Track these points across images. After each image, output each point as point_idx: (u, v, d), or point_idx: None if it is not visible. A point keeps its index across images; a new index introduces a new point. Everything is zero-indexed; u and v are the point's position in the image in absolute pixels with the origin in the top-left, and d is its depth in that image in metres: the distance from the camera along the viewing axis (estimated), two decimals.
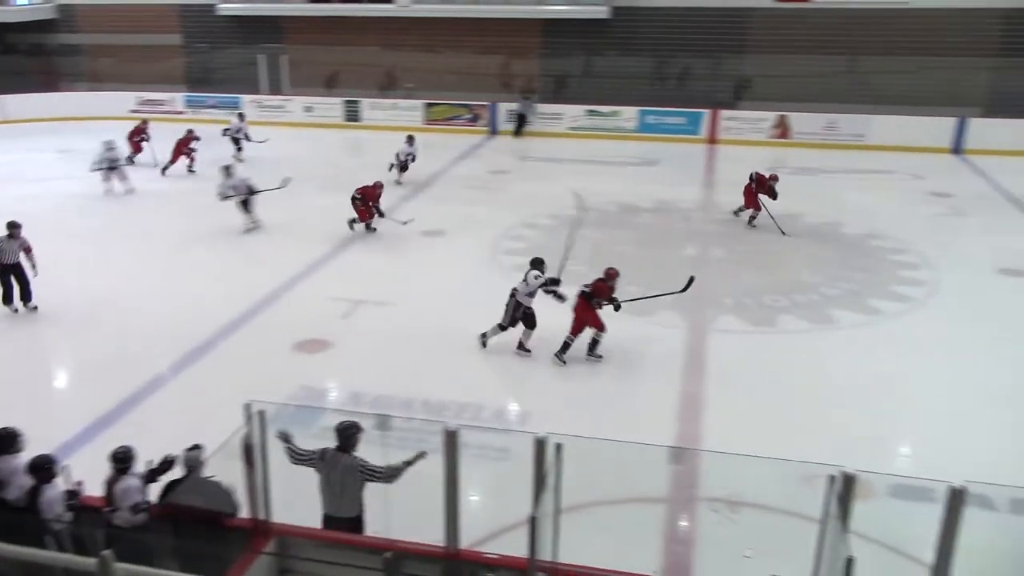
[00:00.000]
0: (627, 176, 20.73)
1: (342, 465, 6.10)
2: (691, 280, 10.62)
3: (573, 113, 25.04)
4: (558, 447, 5.21)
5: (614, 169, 21.40)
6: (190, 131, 20.27)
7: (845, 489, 4.99)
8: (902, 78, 23.09)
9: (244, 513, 5.87)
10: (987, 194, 18.68)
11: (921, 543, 5.22)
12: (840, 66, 23.97)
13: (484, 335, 10.82)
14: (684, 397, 9.71)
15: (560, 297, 10.57)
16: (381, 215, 15.40)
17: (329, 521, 6.30)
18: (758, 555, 6.45)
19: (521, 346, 10.75)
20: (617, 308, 10.46)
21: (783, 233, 15.58)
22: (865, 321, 11.95)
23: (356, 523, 6.30)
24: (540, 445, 5.16)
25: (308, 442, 6.30)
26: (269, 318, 11.90)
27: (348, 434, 6.13)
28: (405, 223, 15.31)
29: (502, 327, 10.71)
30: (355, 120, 26.57)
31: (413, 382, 9.85)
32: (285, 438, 6.14)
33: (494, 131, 25.56)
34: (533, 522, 4.71)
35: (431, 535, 5.59)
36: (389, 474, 6.08)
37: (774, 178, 16.07)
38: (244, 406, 5.55)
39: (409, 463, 6.01)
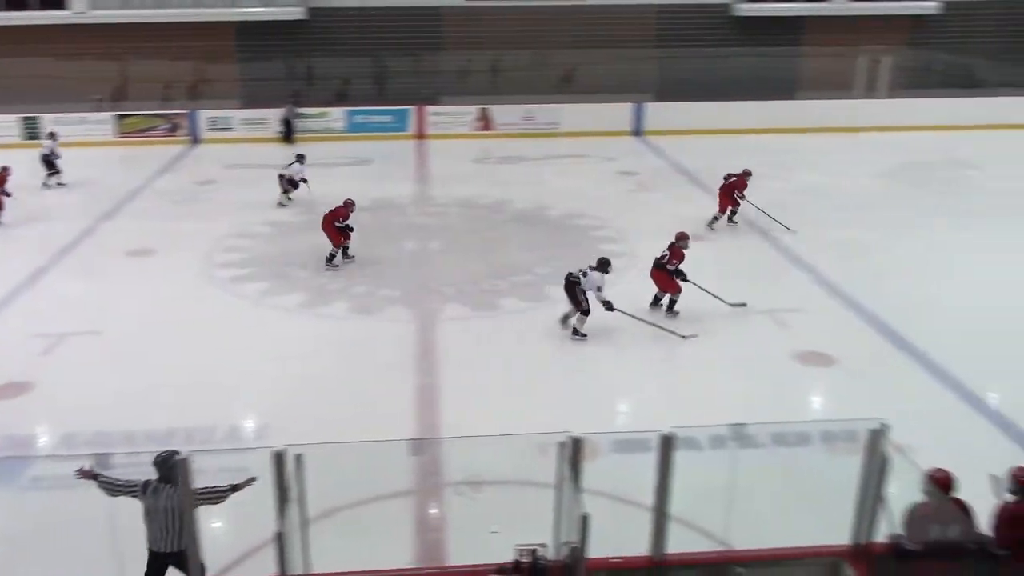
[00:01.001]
0: (341, 176, 20.58)
1: (166, 496, 5.78)
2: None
3: (281, 117, 24.38)
4: (298, 458, 5.15)
5: (327, 170, 21.13)
6: (5, 168, 16.66)
7: (574, 453, 5.40)
8: (587, 69, 25.04)
9: None
10: (665, 170, 20.77)
11: (643, 489, 5.77)
12: (532, 60, 25.47)
13: (577, 332, 11.17)
14: (420, 389, 9.92)
15: (609, 306, 10.97)
16: (351, 230, 14.06)
17: (155, 557, 5.88)
18: (504, 529, 6.77)
19: (576, 332, 11.20)
20: (683, 278, 11.67)
21: (785, 226, 15.62)
22: None
23: (182, 557, 5.86)
24: (279, 458, 5.07)
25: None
26: None
27: (169, 464, 5.76)
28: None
29: (585, 312, 11.08)
30: (36, 138, 23.93)
31: (133, 414, 9.18)
32: (92, 475, 5.68)
33: (196, 140, 24.26)
34: (280, 538, 4.64)
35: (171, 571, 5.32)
36: (213, 495, 5.79)
37: (747, 173, 16.03)
38: None
39: (236, 487, 5.75)
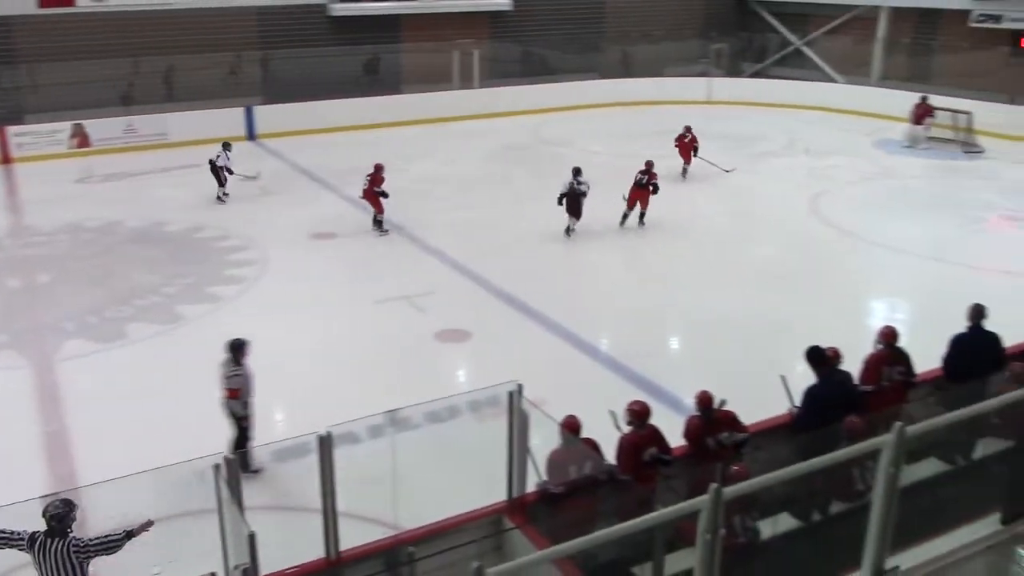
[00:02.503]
0: None
1: (54, 551, 5.37)
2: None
3: None
4: None
5: None
6: None
7: (230, 472, 5.28)
8: (191, 75, 23.81)
9: None
10: (285, 172, 20.49)
11: (310, 492, 5.80)
12: (129, 68, 23.59)
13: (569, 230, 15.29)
14: (47, 437, 8.94)
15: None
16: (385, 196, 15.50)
17: None
18: (170, 567, 6.39)
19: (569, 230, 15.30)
20: (656, 191, 15.59)
21: (725, 171, 18.91)
22: (211, 309, 12.37)
23: None
24: None
25: None
26: None
27: (59, 516, 5.39)
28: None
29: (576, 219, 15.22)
30: None
31: None
32: None
33: None
34: None
35: None
36: (107, 545, 5.50)
37: (687, 130, 19.38)
38: None
39: (131, 534, 5.52)
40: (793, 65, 30.88)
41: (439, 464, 8.14)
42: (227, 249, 14.87)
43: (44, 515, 5.43)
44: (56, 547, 5.40)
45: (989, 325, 7.72)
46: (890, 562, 4.50)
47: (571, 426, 6.43)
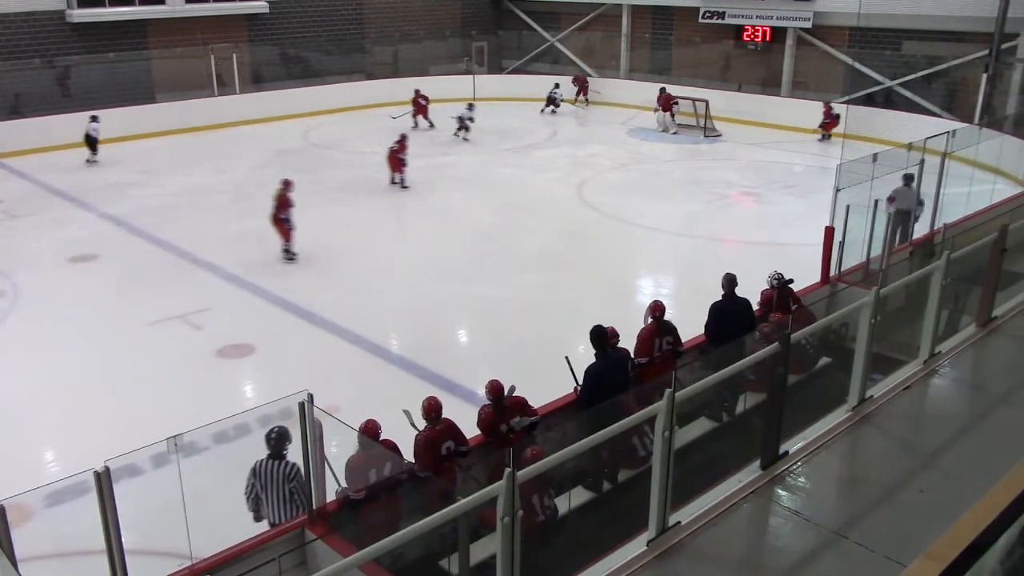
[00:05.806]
0: None
1: (271, 471, 6.35)
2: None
3: None
4: None
5: None
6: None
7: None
8: None
9: None
10: (33, 192, 18.77)
11: (94, 533, 5.42)
12: None
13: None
14: None
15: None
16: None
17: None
18: None
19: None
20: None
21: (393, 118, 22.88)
22: None
23: None
24: None
25: None
26: None
27: (280, 439, 6.39)
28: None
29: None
30: None
31: None
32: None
33: None
34: None
35: None
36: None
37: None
38: None
39: None
40: (550, 61, 32.27)
41: (233, 485, 7.84)
42: None
43: (268, 437, 6.46)
44: (273, 468, 6.33)
45: (738, 291, 8.54)
46: (672, 519, 4.89)
47: (370, 430, 6.44)
